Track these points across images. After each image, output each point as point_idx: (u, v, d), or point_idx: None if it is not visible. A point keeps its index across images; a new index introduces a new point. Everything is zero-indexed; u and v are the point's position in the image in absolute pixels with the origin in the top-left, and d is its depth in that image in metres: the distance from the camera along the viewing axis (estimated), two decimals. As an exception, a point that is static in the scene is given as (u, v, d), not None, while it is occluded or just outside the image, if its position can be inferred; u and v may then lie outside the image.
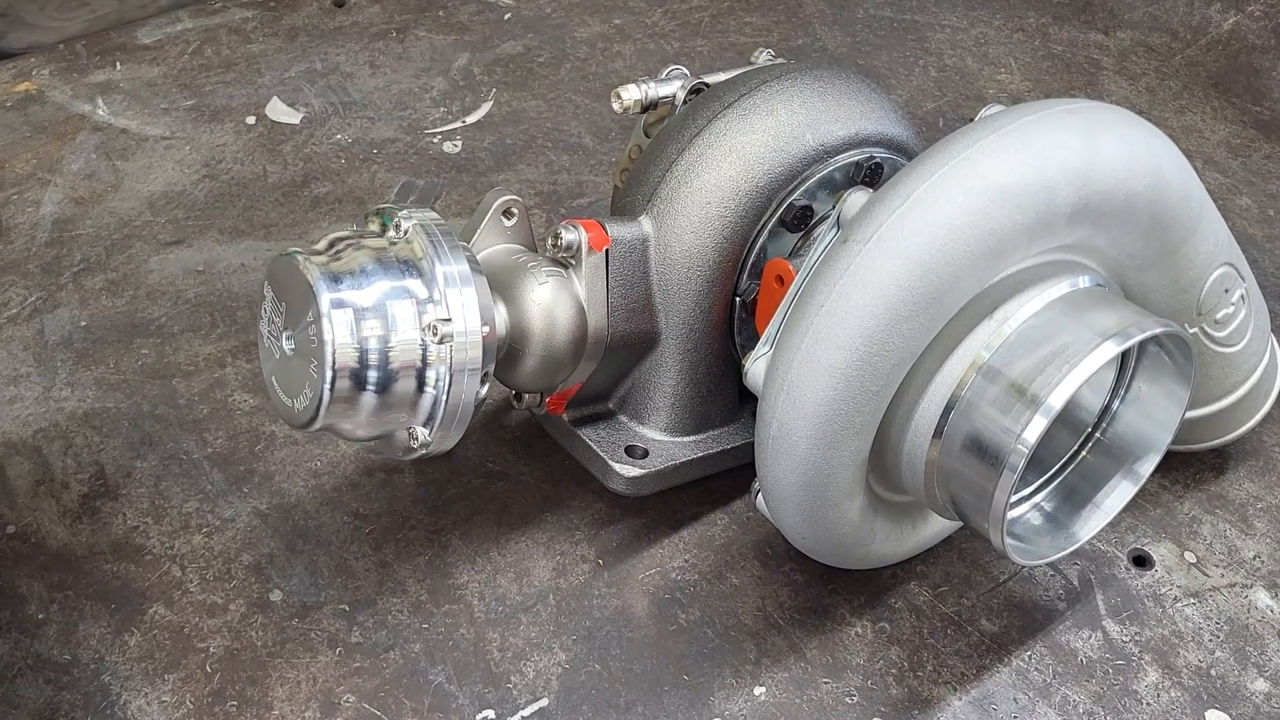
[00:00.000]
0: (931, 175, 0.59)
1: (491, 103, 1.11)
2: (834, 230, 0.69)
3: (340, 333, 0.61)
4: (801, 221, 0.73)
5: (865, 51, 1.17)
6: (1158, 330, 0.63)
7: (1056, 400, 0.60)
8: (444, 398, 0.63)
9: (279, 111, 1.09)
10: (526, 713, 0.70)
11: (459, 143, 1.07)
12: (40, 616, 0.73)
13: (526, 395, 0.75)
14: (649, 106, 0.79)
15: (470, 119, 1.09)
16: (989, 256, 0.60)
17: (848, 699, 0.71)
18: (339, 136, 1.07)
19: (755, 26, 1.20)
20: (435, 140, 1.07)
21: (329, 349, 0.60)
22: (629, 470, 0.74)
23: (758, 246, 0.73)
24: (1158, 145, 0.64)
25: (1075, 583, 0.77)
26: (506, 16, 1.20)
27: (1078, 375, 0.60)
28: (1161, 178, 0.63)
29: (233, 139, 1.06)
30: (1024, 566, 0.76)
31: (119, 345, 0.89)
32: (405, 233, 0.64)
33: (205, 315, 0.92)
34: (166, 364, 0.88)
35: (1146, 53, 1.18)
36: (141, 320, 0.91)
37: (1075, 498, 0.70)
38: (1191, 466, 0.83)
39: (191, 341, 0.90)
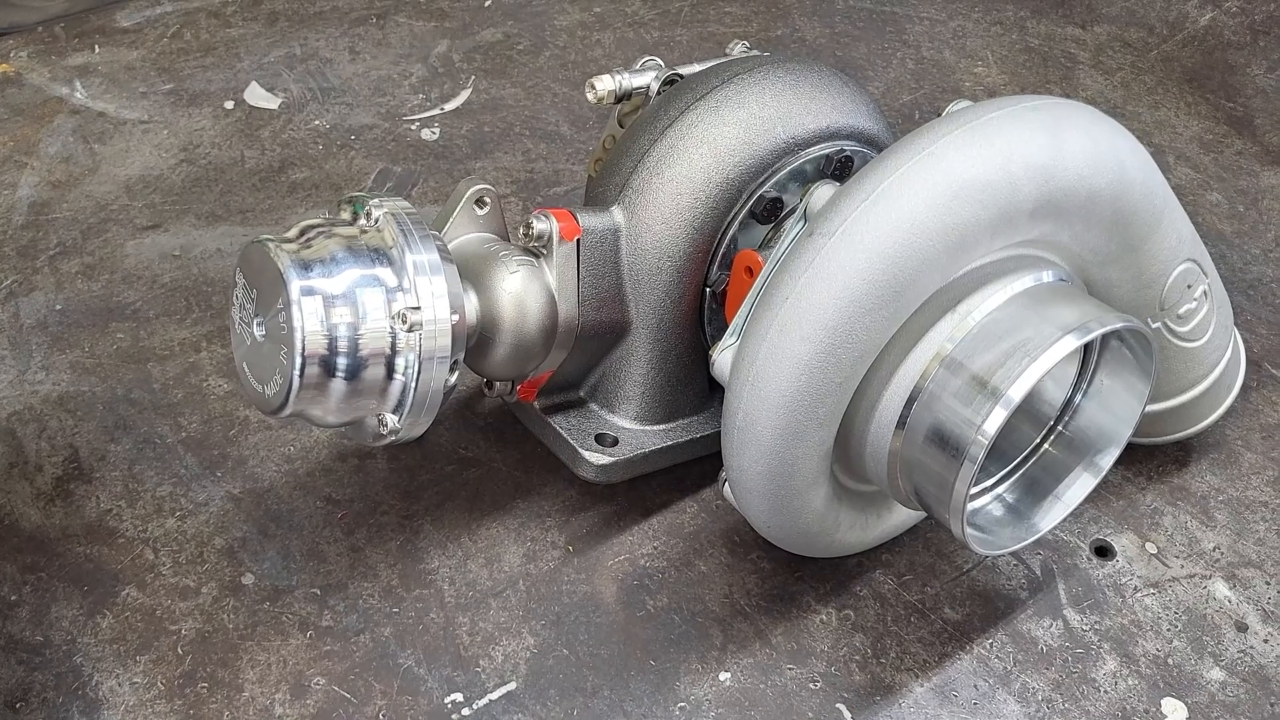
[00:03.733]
0: (896, 170, 0.60)
1: (470, 90, 1.11)
2: (801, 223, 0.69)
3: (310, 320, 0.61)
4: (772, 213, 0.74)
5: (844, 43, 1.18)
6: (1118, 325, 0.64)
7: (1017, 392, 0.61)
8: (413, 385, 0.64)
9: (257, 96, 1.09)
10: (494, 696, 0.71)
11: (437, 130, 1.07)
12: (13, 598, 0.74)
13: (498, 383, 0.75)
14: (623, 97, 0.80)
15: (449, 106, 1.09)
16: (952, 251, 0.61)
17: (811, 685, 0.72)
18: (317, 122, 1.07)
19: (735, 16, 1.20)
20: (413, 127, 1.07)
21: (299, 335, 0.61)
22: (598, 458, 0.75)
23: (728, 238, 0.74)
24: (1121, 142, 0.65)
25: (1038, 572, 0.78)
26: (487, 4, 1.20)
27: (1038, 368, 0.61)
28: (1124, 175, 0.64)
29: (211, 124, 1.06)
30: (985, 556, 0.77)
31: (94, 329, 0.90)
32: (376, 221, 0.65)
33: (181, 300, 0.92)
34: (141, 348, 0.89)
35: (1123, 47, 1.19)
36: (117, 304, 0.91)
37: (1037, 489, 0.71)
38: (1155, 459, 0.84)
39: (167, 326, 0.90)
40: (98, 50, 1.13)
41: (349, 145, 1.05)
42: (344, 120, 1.07)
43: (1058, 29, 1.20)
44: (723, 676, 0.72)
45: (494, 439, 0.84)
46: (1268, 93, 1.14)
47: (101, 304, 0.91)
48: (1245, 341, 0.91)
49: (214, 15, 1.17)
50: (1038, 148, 0.61)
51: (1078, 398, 0.71)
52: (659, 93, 0.79)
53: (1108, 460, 0.70)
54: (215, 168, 1.03)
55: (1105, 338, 0.69)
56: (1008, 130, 0.61)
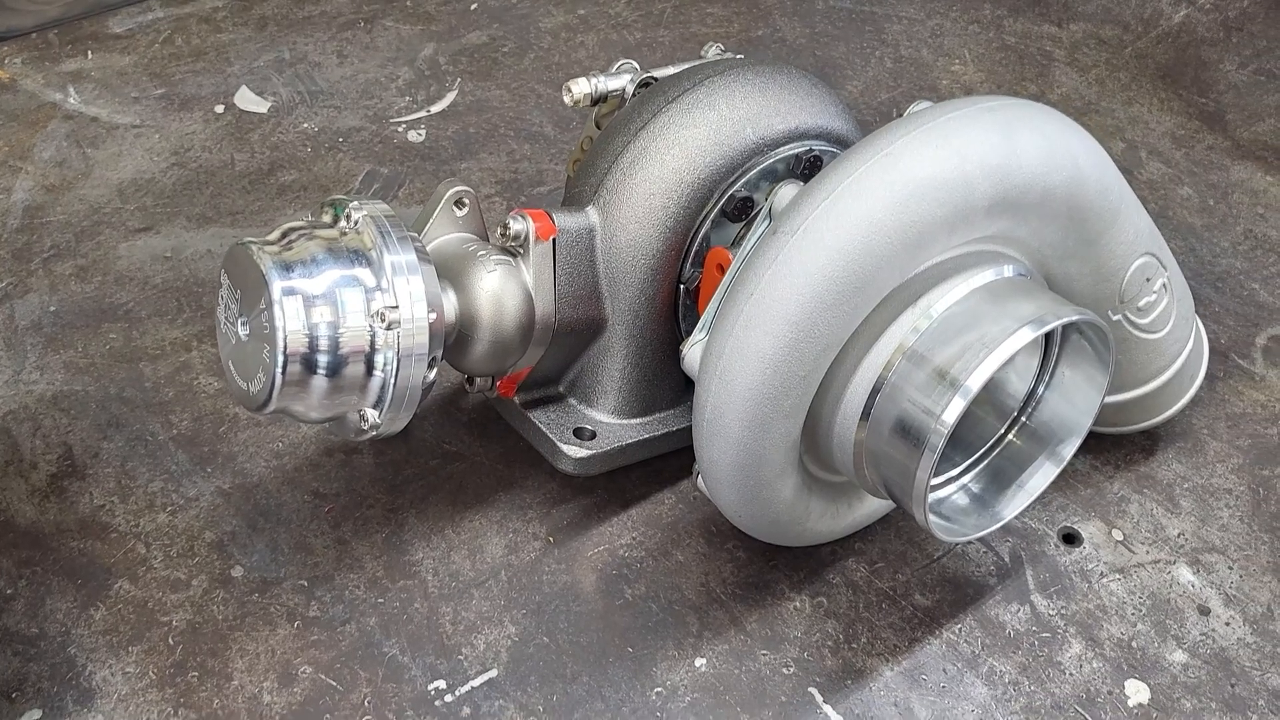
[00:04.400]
0: (856, 170, 0.62)
1: (456, 92, 1.13)
2: (766, 222, 0.71)
3: (291, 319, 0.63)
4: (742, 212, 0.76)
5: (823, 42, 1.20)
6: (1074, 317, 0.66)
7: (975, 382, 0.63)
8: (392, 381, 0.66)
9: (247, 100, 1.11)
10: (476, 683, 0.73)
11: (423, 131, 1.09)
12: (9, 591, 0.76)
13: (478, 379, 0.77)
14: (599, 100, 0.82)
15: (435, 108, 1.12)
16: (910, 247, 0.63)
17: (784, 670, 0.74)
18: (306, 125, 1.09)
19: (716, 17, 1.22)
20: (400, 129, 1.09)
21: (280, 334, 0.63)
22: (576, 451, 0.77)
23: (700, 236, 0.76)
24: (1075, 141, 0.67)
25: (1006, 559, 0.80)
26: (473, 7, 1.22)
27: (995, 359, 0.63)
28: (1079, 172, 0.66)
29: (201, 127, 1.08)
30: (950, 544, 0.79)
31: (87, 330, 0.92)
32: (356, 223, 0.67)
33: (172, 300, 0.94)
34: (134, 348, 0.91)
35: (1098, 45, 1.21)
36: (110, 305, 0.94)
37: (1001, 479, 0.73)
38: (1122, 448, 0.86)
39: (158, 326, 0.92)
40: (90, 56, 1.15)
41: (337, 147, 1.07)
42: (332, 123, 1.09)
43: (1034, 27, 1.22)
44: (698, 662, 0.75)
45: (477, 433, 0.86)
46: (1239, 88, 1.16)
47: (94, 305, 0.94)
48: (1213, 332, 0.93)
49: (204, 20, 1.19)
50: (992, 147, 0.63)
51: (1040, 389, 0.73)
52: (634, 95, 0.81)
53: (1069, 450, 0.72)
54: (206, 171, 1.05)
55: (1065, 330, 0.71)
56: (963, 130, 0.63)
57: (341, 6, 1.22)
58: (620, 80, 0.82)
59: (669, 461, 0.83)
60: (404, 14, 1.21)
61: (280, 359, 0.63)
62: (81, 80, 1.12)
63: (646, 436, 0.80)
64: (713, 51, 0.86)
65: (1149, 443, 0.87)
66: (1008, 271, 0.68)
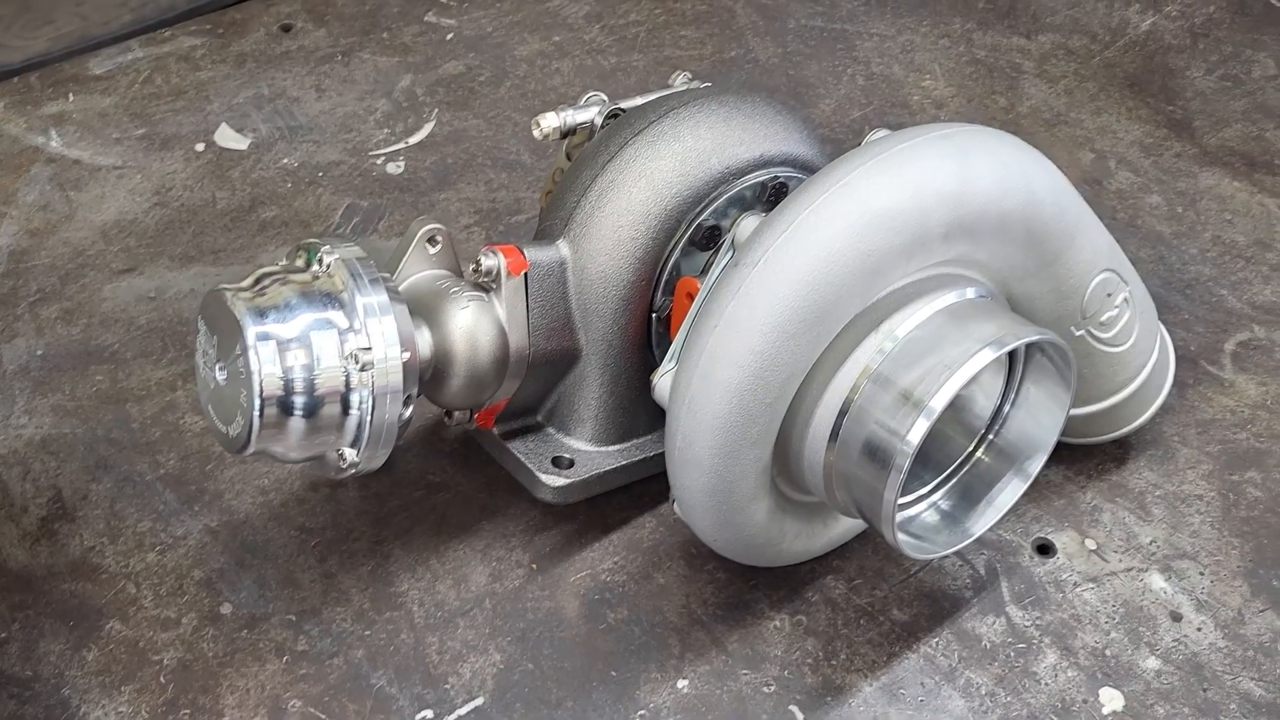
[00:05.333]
0: (814, 201, 0.64)
1: (433, 123, 1.15)
2: (730, 253, 0.73)
3: (266, 363, 0.65)
4: (711, 240, 0.77)
5: (796, 61, 1.21)
6: (1034, 337, 0.67)
7: (938, 403, 0.65)
8: (368, 420, 0.68)
9: (227, 138, 1.13)
10: (463, 711, 0.75)
11: (402, 163, 1.11)
12: (3, 635, 0.78)
13: (456, 412, 0.79)
14: (568, 133, 0.83)
15: (413, 139, 1.13)
16: (869, 275, 0.64)
17: (765, 689, 0.76)
18: (285, 161, 1.11)
19: (690, 40, 1.24)
20: (379, 161, 1.11)
21: (256, 379, 0.65)
22: (555, 480, 0.78)
23: (670, 265, 0.77)
24: (1030, 164, 0.69)
25: (982, 571, 0.82)
26: (449, 36, 1.24)
27: (957, 380, 0.65)
28: (1034, 195, 0.68)
29: (182, 166, 1.10)
30: (918, 561, 0.81)
31: (74, 372, 0.93)
32: (328, 267, 0.68)
33: (157, 341, 0.96)
34: (120, 389, 0.92)
35: (1066, 55, 1.22)
36: (96, 347, 0.95)
37: (970, 496, 0.75)
38: (1094, 457, 0.87)
39: (144, 367, 0.94)
40: (71, 99, 1.16)
41: (317, 182, 1.09)
42: (312, 158, 1.11)
43: (1003, 39, 1.24)
44: (681, 684, 0.76)
45: (459, 464, 0.88)
46: (1206, 95, 1.17)
47: (81, 348, 0.95)
48: (1183, 340, 0.95)
49: (184, 59, 1.21)
50: (947, 175, 0.64)
51: (1006, 407, 0.75)
52: (602, 127, 0.83)
53: (1036, 466, 0.74)
54: (188, 209, 1.06)
55: (1028, 349, 0.72)
56: (917, 159, 0.64)
57: (319, 40, 1.23)
58: (589, 112, 0.83)
59: (649, 485, 0.84)
60: (381, 46, 1.23)
61: (257, 402, 0.65)
62: (63, 123, 1.14)
63: (625, 463, 0.81)
64: (680, 80, 0.88)
65: (1120, 451, 0.88)
66: (969, 293, 0.69)
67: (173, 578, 0.81)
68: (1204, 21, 1.25)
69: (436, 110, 1.16)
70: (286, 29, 1.25)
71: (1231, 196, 1.07)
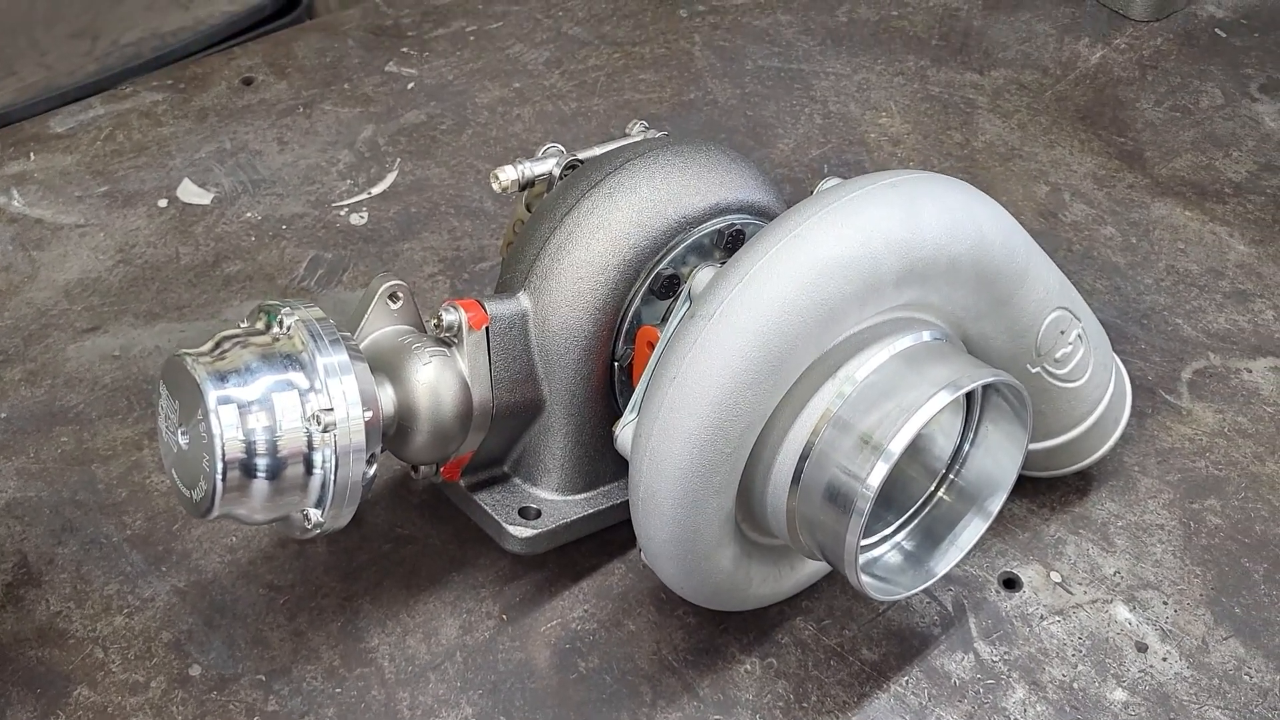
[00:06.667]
0: (766, 253, 0.65)
1: (396, 172, 1.15)
2: (687, 304, 0.74)
3: (228, 427, 0.65)
4: (670, 289, 0.78)
5: (754, 102, 1.23)
6: (989, 379, 0.68)
7: (896, 446, 0.66)
8: (332, 480, 0.68)
9: (190, 193, 1.13)
10: (435, 768, 0.74)
11: (365, 214, 1.11)
12: (-32, 706, 0.77)
13: (423, 466, 0.79)
14: (527, 185, 0.84)
15: (375, 190, 1.14)
16: (822, 323, 0.65)
17: (737, 734, 0.76)
18: (249, 215, 1.11)
19: (649, 83, 1.25)
20: (342, 213, 1.11)
21: (218, 443, 0.65)
22: (523, 531, 0.79)
23: (630, 314, 0.78)
24: (978, 208, 0.70)
25: (949, 608, 0.82)
26: (410, 86, 1.25)
27: (915, 423, 0.66)
28: (983, 239, 0.69)
29: (145, 223, 1.10)
30: (882, 602, 0.81)
31: (39, 434, 0.93)
32: (288, 328, 0.69)
33: (122, 399, 0.95)
34: (85, 450, 0.92)
35: (1019, 90, 1.24)
36: (60, 408, 0.95)
37: (933, 536, 0.75)
38: (1057, 490, 0.88)
39: (109, 426, 0.93)
40: (33, 157, 1.17)
41: (280, 235, 1.09)
42: (275, 211, 1.11)
43: (957, 75, 1.26)
44: (653, 732, 0.76)
45: (428, 515, 0.88)
46: (1156, 125, 1.20)
47: (45, 409, 0.95)
48: (1140, 370, 0.96)
49: (145, 115, 1.21)
50: (897, 223, 0.66)
51: (966, 447, 0.76)
52: (560, 177, 0.84)
53: (997, 504, 0.75)
54: (151, 266, 1.06)
55: (985, 390, 0.73)
56: (867, 209, 0.65)
57: (280, 93, 1.24)
58: (546, 164, 0.84)
59: (618, 531, 0.85)
60: (342, 97, 1.24)
61: (220, 466, 0.65)
62: (25, 183, 1.14)
63: (592, 511, 0.81)
64: (637, 129, 0.89)
65: (1083, 483, 0.89)
66: (925, 336, 0.70)
67: (141, 640, 0.81)
68: (1152, 54, 1.28)
69: (399, 160, 1.17)
70: (248, 82, 1.25)
71: (1184, 226, 1.09)
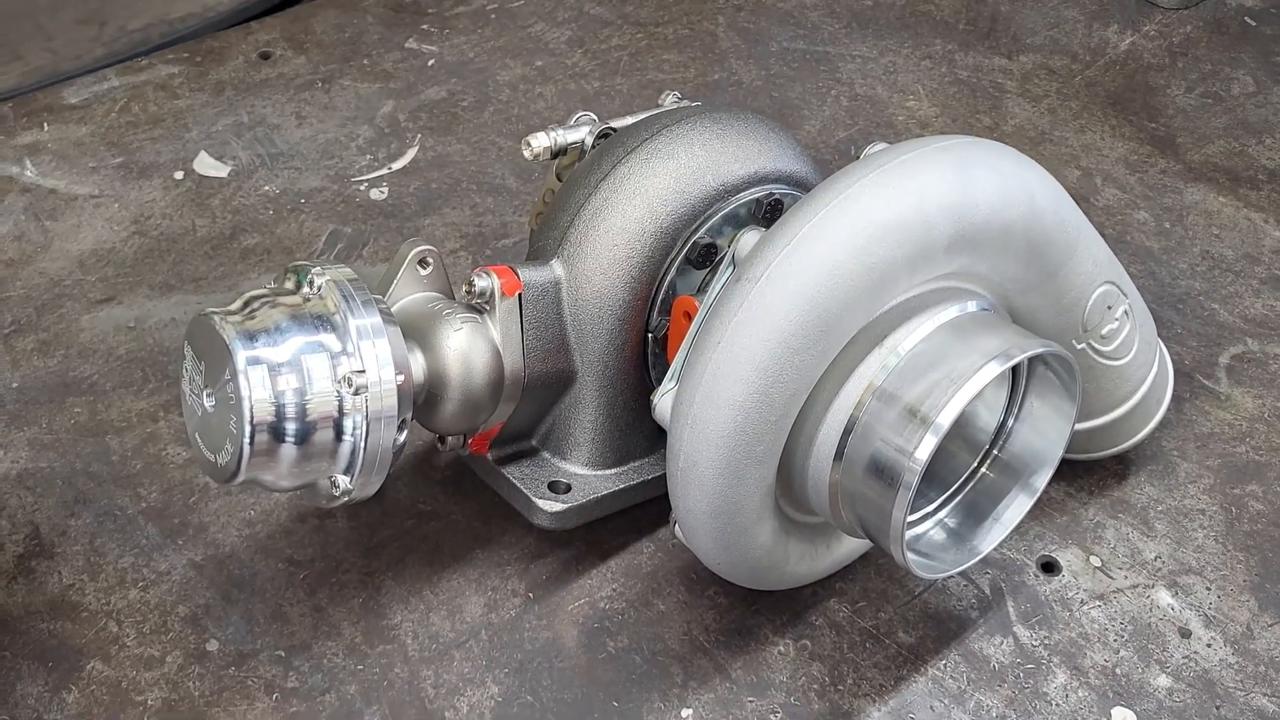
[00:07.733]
0: (816, 215, 0.63)
1: (417, 148, 1.13)
2: (730, 269, 0.72)
3: (257, 388, 0.63)
4: (706, 259, 0.76)
5: (779, 84, 1.21)
6: (1039, 350, 0.66)
7: (945, 419, 0.64)
8: (362, 446, 0.66)
9: (206, 165, 1.11)
10: (461, 747, 0.72)
11: (385, 189, 1.09)
12: (-22, 678, 0.75)
13: (450, 438, 0.77)
14: (559, 153, 0.82)
15: (396, 165, 1.12)
16: (873, 289, 0.63)
17: (771, 716, 0.74)
18: (267, 188, 1.09)
19: (673, 63, 1.23)
20: (362, 188, 1.09)
21: (246, 404, 0.63)
22: (552, 505, 0.77)
23: (666, 284, 0.76)
24: (1030, 175, 0.68)
25: (987, 591, 0.80)
26: (430, 63, 1.23)
27: (964, 395, 0.64)
28: (1034, 207, 0.67)
29: (161, 194, 1.08)
30: (927, 580, 0.79)
31: (51, 405, 0.91)
32: (319, 289, 0.67)
33: (137, 371, 0.93)
34: (99, 421, 0.90)
35: (1048, 75, 1.23)
36: (73, 379, 0.93)
37: (976, 512, 0.73)
38: (1095, 474, 0.87)
39: (124, 398, 0.91)
40: (46, 128, 1.14)
41: (299, 209, 1.07)
42: (293, 184, 1.09)
43: (985, 60, 1.24)
44: (685, 713, 0.74)
45: (452, 491, 0.86)
46: (1187, 112, 1.18)
47: (58, 379, 0.92)
48: (1177, 354, 0.94)
49: (161, 88, 1.19)
50: (948, 186, 0.64)
51: (1010, 422, 0.74)
52: (593, 146, 0.82)
53: (1042, 480, 0.73)
54: (167, 238, 1.04)
55: (1031, 363, 0.72)
56: (919, 172, 0.63)
57: (299, 68, 1.22)
58: (579, 132, 0.82)
59: (646, 510, 0.83)
60: (361, 73, 1.21)
61: (248, 429, 0.63)
62: (38, 152, 1.12)
63: (622, 487, 0.79)
64: (669, 100, 0.87)
65: (1121, 467, 0.87)
66: (971, 307, 0.68)
67: (156, 615, 0.78)
68: (1181, 41, 1.26)
69: (419, 136, 1.15)
70: (266, 57, 1.23)
71: (1218, 211, 1.08)
